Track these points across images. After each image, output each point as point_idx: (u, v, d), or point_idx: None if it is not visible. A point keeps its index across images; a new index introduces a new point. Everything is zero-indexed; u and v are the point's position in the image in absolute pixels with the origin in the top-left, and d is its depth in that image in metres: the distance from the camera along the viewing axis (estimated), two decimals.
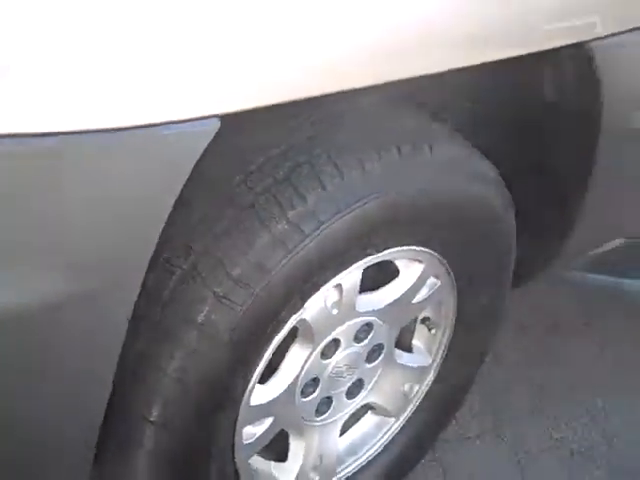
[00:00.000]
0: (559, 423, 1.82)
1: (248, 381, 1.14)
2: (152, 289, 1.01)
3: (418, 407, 1.46)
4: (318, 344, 1.22)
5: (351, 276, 1.18)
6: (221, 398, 1.11)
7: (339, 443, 1.41)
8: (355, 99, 1.06)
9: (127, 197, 0.86)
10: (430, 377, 1.45)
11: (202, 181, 0.92)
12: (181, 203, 0.89)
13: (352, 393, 1.36)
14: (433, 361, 1.45)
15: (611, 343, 2.06)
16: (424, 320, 1.43)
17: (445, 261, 1.30)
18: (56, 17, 0.76)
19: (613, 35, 1.23)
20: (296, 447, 1.33)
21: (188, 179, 0.88)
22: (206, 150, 0.88)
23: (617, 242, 1.77)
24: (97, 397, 0.99)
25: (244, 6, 0.85)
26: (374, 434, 1.45)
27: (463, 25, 1.01)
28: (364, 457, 1.45)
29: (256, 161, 1.06)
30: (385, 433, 1.46)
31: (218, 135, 0.87)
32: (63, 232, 0.84)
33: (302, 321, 1.16)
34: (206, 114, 0.86)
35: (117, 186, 0.85)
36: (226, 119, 0.87)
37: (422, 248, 1.25)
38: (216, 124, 0.87)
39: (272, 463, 1.34)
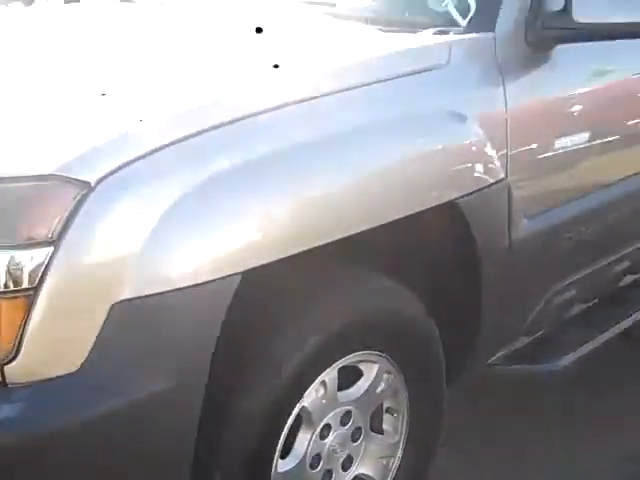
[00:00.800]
0: None
1: (273, 455, 1.69)
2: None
3: (396, 474, 2.00)
4: (317, 427, 1.78)
5: (330, 375, 1.77)
6: (260, 467, 1.66)
7: None
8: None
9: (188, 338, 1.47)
10: (400, 451, 2.00)
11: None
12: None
13: (345, 467, 1.90)
14: (399, 439, 2.00)
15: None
16: (387, 409, 1.99)
17: (392, 360, 1.90)
18: None
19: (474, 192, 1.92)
20: None
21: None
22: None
23: (522, 340, 2.39)
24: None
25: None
26: None
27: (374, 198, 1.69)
28: None
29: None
30: None
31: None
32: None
33: (304, 408, 1.73)
34: (229, 273, 1.48)
35: (180, 332, 1.46)
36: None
37: (374, 352, 1.85)
38: (237, 279, 1.49)
39: None
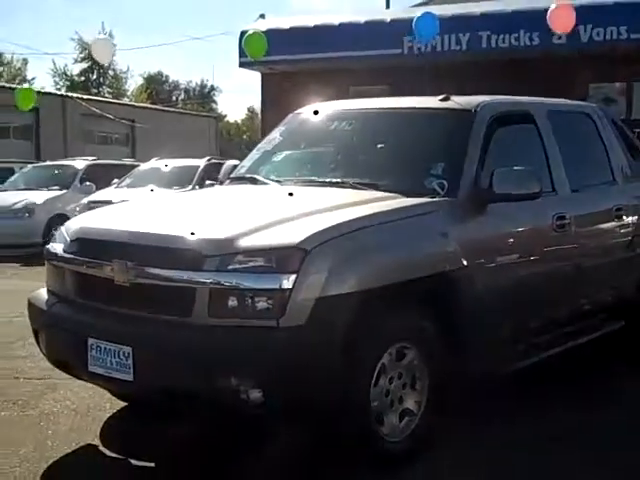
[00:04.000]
0: None
1: (370, 384, 3.75)
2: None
3: (424, 409, 4.02)
4: (388, 376, 3.88)
5: (392, 351, 3.87)
6: (365, 387, 3.71)
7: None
8: None
9: None
10: (425, 398, 4.03)
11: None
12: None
13: (400, 401, 3.94)
14: (424, 393, 4.03)
15: None
16: (418, 377, 4.03)
17: (418, 351, 3.97)
18: None
19: (454, 269, 4.09)
20: (388, 417, 3.86)
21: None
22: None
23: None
24: None
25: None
26: (411, 421, 3.98)
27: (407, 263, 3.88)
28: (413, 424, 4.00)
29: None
30: (413, 419, 4.00)
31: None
32: None
33: (383, 364, 3.81)
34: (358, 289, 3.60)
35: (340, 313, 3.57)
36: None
37: (408, 344, 3.93)
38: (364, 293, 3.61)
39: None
